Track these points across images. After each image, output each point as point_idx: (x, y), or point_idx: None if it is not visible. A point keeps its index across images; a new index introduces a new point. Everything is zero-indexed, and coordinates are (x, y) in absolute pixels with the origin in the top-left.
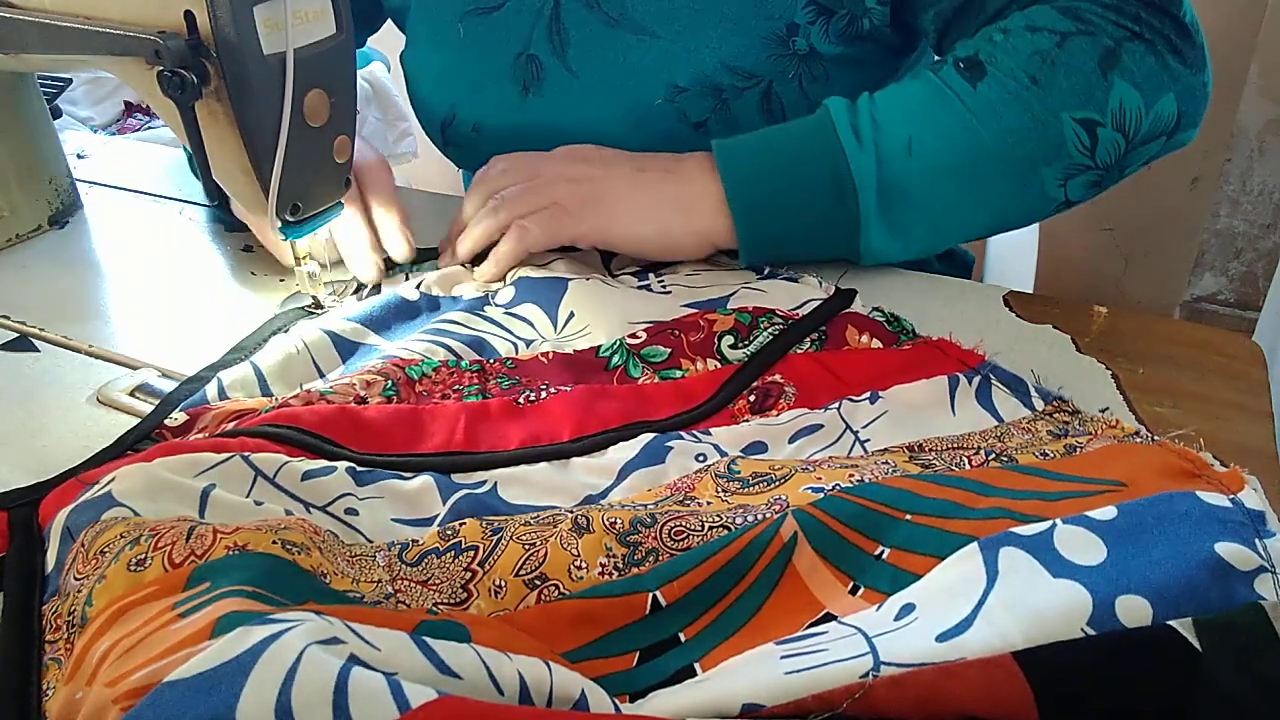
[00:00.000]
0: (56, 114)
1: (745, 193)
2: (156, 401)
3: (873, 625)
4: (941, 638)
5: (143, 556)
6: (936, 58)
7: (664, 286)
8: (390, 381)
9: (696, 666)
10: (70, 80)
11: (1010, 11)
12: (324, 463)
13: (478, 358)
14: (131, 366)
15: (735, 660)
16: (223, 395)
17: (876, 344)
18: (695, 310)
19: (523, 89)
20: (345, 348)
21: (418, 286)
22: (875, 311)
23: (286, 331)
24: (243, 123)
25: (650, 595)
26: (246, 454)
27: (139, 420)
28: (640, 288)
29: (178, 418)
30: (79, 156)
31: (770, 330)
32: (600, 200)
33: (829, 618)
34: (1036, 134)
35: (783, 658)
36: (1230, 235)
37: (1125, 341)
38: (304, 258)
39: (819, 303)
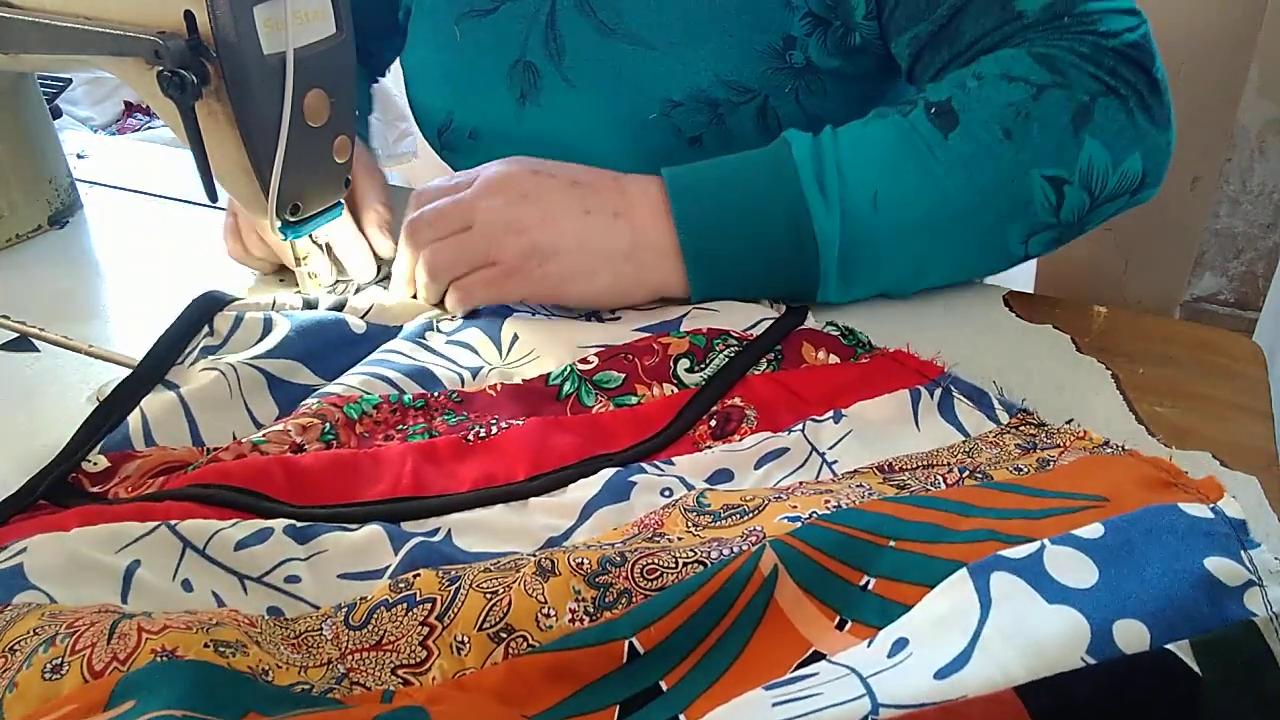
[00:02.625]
0: (56, 114)
1: (700, 246)
2: None
3: (866, 664)
4: (940, 674)
5: (59, 661)
6: (908, 98)
7: (612, 313)
8: (328, 424)
9: (682, 718)
10: (70, 80)
11: (983, 44)
12: (259, 524)
13: (421, 392)
14: (131, 366)
15: (724, 710)
16: (149, 439)
17: (834, 359)
18: (648, 334)
19: (520, 97)
20: (279, 388)
21: (364, 316)
22: (829, 326)
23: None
24: (243, 123)
25: (626, 642)
26: (173, 523)
27: (53, 460)
28: (586, 317)
29: (98, 462)
30: (79, 156)
31: (726, 352)
32: (545, 255)
33: (817, 656)
34: (1005, 191)
35: (774, 705)
36: (1230, 235)
37: (1125, 341)
38: (304, 258)
39: (772, 322)
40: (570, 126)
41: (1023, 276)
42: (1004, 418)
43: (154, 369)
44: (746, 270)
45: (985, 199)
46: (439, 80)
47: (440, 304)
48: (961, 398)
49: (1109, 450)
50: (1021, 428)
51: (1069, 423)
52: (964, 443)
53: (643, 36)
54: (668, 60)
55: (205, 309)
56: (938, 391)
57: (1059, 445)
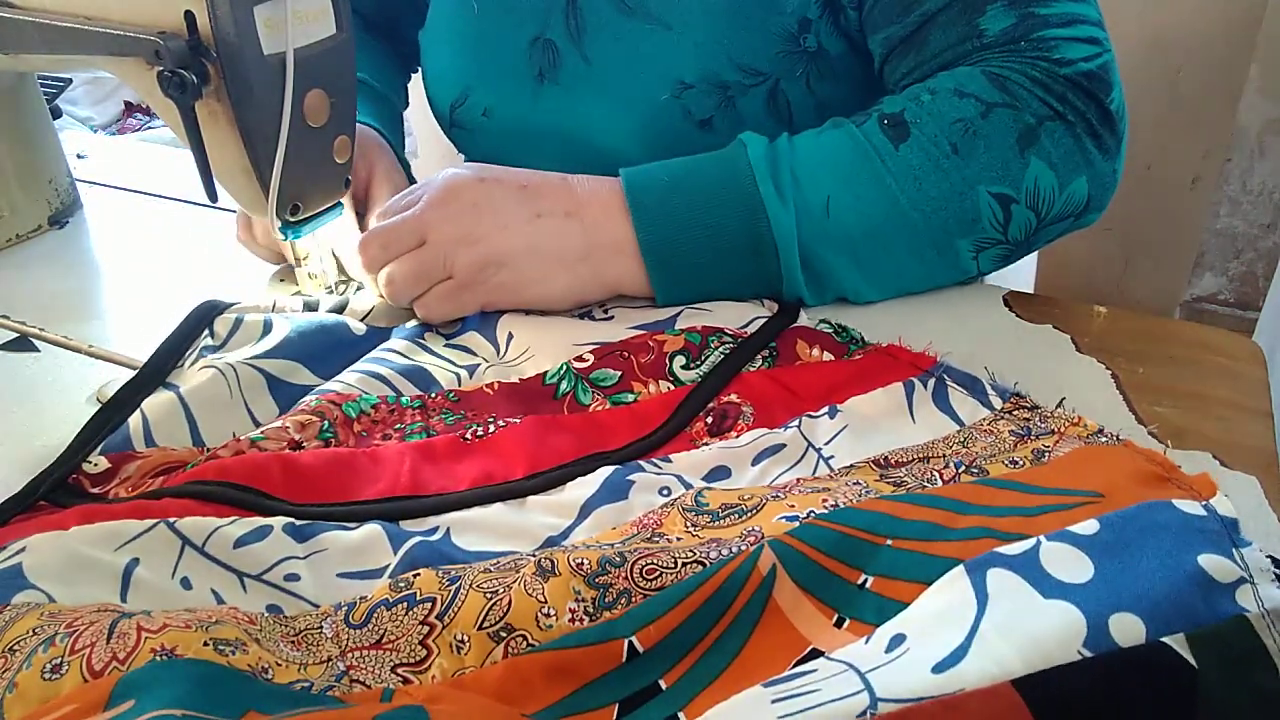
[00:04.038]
0: (56, 114)
1: (658, 243)
2: None
3: (864, 659)
4: (938, 669)
5: (58, 661)
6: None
7: (606, 313)
8: (326, 422)
9: (681, 716)
10: (70, 80)
11: (945, 57)
12: (258, 522)
13: (419, 393)
14: (131, 367)
15: (723, 707)
16: (149, 439)
17: (828, 356)
18: (642, 331)
19: (538, 75)
20: (279, 389)
21: (364, 319)
22: (823, 323)
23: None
24: (243, 123)
25: (626, 641)
26: (172, 520)
27: (54, 461)
28: (580, 316)
29: (98, 463)
30: (79, 156)
31: (721, 349)
32: (500, 263)
33: (815, 654)
34: (954, 204)
35: (774, 701)
36: (1230, 235)
37: (1125, 341)
38: (304, 258)
39: (765, 319)
40: (585, 107)
41: (1023, 276)
42: (997, 403)
43: (154, 375)
44: (706, 268)
45: (935, 211)
46: (457, 55)
47: None
48: (955, 386)
49: (1103, 439)
50: (1015, 412)
51: (1060, 405)
52: (959, 432)
53: (660, 16)
54: (683, 41)
55: (204, 315)
56: (931, 382)
57: (1053, 431)
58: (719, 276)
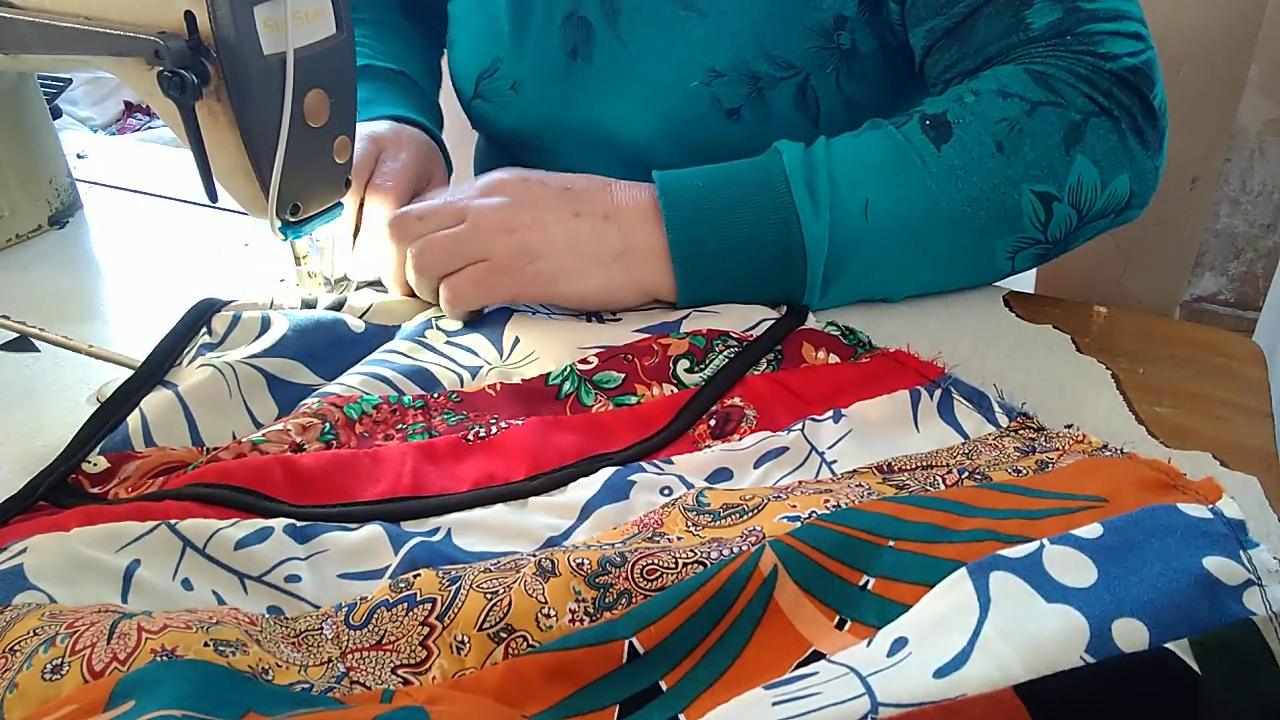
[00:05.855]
0: (56, 114)
1: (689, 249)
2: None
3: (865, 663)
4: (939, 673)
5: (59, 661)
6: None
7: (613, 314)
8: (328, 424)
9: (681, 717)
10: (70, 80)
11: (990, 51)
12: (259, 523)
13: (421, 393)
14: (131, 366)
15: (724, 709)
16: (149, 439)
17: (834, 359)
18: (648, 335)
19: (571, 52)
20: (279, 388)
21: (362, 316)
22: (830, 326)
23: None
24: (243, 123)
25: (626, 642)
26: (173, 522)
27: (53, 460)
28: (587, 319)
29: (97, 463)
30: (79, 156)
31: (726, 353)
32: (537, 254)
33: (817, 656)
34: (995, 204)
35: (774, 704)
36: (1230, 235)
37: (1125, 341)
38: (304, 258)
39: (772, 322)
40: (615, 87)
41: (1023, 276)
42: (1003, 421)
43: (151, 374)
44: (734, 274)
45: (975, 211)
46: (490, 26)
47: (438, 303)
48: (961, 399)
49: (1108, 453)
50: (1021, 431)
51: (1069, 427)
52: (963, 444)
53: (696, 3)
54: (717, 28)
55: (202, 313)
56: (937, 393)
57: (1058, 449)
58: (744, 281)
